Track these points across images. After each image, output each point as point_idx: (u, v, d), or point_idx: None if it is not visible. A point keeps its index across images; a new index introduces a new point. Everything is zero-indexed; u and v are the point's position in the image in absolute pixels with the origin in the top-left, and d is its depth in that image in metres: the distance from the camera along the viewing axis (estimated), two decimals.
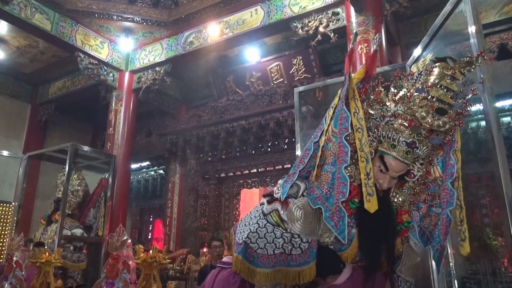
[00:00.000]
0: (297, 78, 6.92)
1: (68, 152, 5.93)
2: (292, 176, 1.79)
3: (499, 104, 5.88)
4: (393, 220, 1.79)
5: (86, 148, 6.66)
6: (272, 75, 7.19)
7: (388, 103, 1.75)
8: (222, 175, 7.67)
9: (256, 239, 1.73)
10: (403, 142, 1.67)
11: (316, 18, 5.24)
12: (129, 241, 3.23)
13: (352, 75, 1.81)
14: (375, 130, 1.76)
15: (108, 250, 3.84)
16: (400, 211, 1.82)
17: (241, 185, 7.57)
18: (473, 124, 6.07)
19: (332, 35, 5.13)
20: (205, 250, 6.80)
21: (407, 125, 1.65)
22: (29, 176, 7.21)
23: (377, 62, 1.91)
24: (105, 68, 6.89)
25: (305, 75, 6.85)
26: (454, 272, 2.96)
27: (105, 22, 6.51)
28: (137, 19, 6.39)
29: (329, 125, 1.75)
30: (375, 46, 1.98)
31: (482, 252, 4.61)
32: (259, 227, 1.76)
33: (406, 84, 1.74)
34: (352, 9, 4.89)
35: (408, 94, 1.68)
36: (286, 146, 6.72)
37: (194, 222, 7.61)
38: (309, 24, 5.28)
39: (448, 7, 2.40)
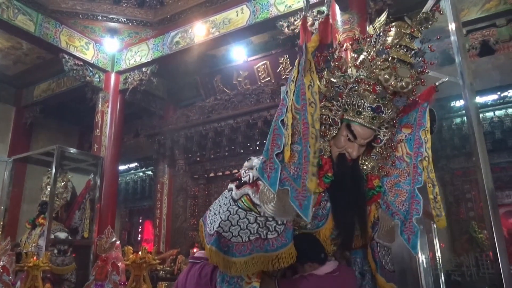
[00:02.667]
0: (284, 76, 6.94)
1: (54, 154, 5.87)
2: (270, 163, 1.62)
3: (482, 99, 6.00)
4: (363, 189, 1.78)
5: (72, 150, 6.59)
6: (259, 74, 7.21)
7: (349, 69, 1.71)
8: (211, 174, 7.66)
9: (229, 227, 1.65)
10: (369, 108, 1.64)
11: (301, 16, 5.27)
12: (118, 242, 3.22)
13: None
14: (339, 98, 1.71)
15: (97, 252, 3.82)
16: (371, 177, 1.80)
17: None
18: (458, 120, 6.18)
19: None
20: (195, 250, 6.80)
21: (371, 90, 1.62)
22: (15, 180, 7.11)
23: (330, 27, 1.85)
24: (91, 69, 6.83)
25: None
26: (441, 266, 3.02)
27: (90, 23, 6.45)
28: (122, 20, 6.35)
29: (292, 100, 1.65)
30: (326, 9, 1.99)
31: (468, 245, 4.70)
32: (230, 214, 1.67)
33: (366, 47, 1.70)
34: (337, 7, 4.93)
35: (369, 57, 1.64)
36: None
37: (184, 223, 7.59)
38: (295, 22, 5.31)
39: (430, 3, 2.45)
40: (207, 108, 7.17)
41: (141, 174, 9.93)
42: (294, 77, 1.67)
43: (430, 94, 1.74)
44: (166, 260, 6.69)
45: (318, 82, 1.63)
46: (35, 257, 3.99)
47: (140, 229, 10.25)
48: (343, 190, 1.66)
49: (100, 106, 6.97)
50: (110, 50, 7.00)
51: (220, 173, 7.57)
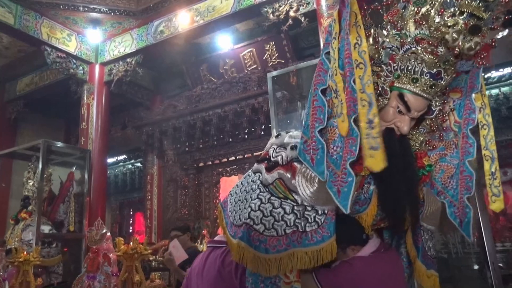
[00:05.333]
0: (270, 63, 6.93)
1: (40, 149, 5.79)
2: (313, 142, 1.37)
3: (486, 76, 6.03)
4: (415, 167, 1.49)
5: (59, 144, 6.51)
6: (246, 61, 7.17)
7: (407, 27, 1.38)
8: (201, 164, 7.66)
9: (261, 219, 1.39)
10: (427, 74, 1.34)
11: (286, 2, 5.24)
12: (108, 234, 3.20)
13: None
14: (390, 62, 1.40)
15: (88, 245, 3.81)
16: (420, 154, 1.52)
17: (220, 174, 7.58)
18: None
19: (302, 19, 5.14)
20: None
21: (433, 51, 1.32)
22: (1, 176, 7.03)
23: None
24: (74, 61, 6.71)
25: (279, 60, 6.86)
26: None
27: (71, 14, 6.32)
28: (104, 10, 6.22)
29: (337, 61, 1.36)
30: None
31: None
32: (261, 203, 1.42)
33: None
34: None
35: (433, 11, 1.31)
36: (263, 132, 6.75)
37: (175, 213, 7.60)
38: (280, 8, 5.27)
39: None
40: (194, 97, 7.14)
41: (130, 166, 9.89)
42: (336, 33, 1.39)
43: (485, 52, 1.38)
44: (158, 251, 6.71)
45: (365, 40, 1.33)
46: (25, 252, 3.96)
47: (131, 221, 10.25)
48: (393, 170, 1.35)
49: (85, 98, 6.87)
50: (93, 41, 6.88)
51: (210, 163, 7.58)
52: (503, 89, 6.13)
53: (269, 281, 1.44)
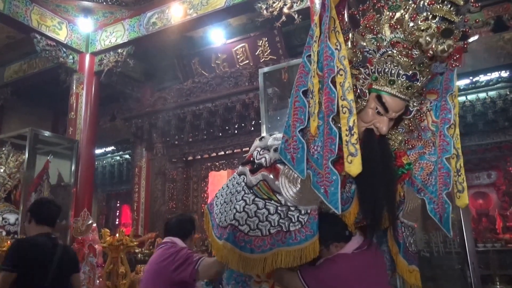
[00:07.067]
0: (262, 59, 6.93)
1: (27, 137, 5.71)
2: (294, 142, 1.42)
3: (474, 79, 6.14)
4: (394, 168, 1.55)
5: (46, 133, 6.44)
6: (238, 56, 7.17)
7: (382, 31, 1.45)
8: (190, 158, 7.65)
9: (246, 220, 1.43)
10: (404, 76, 1.41)
11: None
12: (94, 225, 3.20)
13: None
14: (368, 65, 1.48)
15: (73, 235, 3.79)
16: (399, 153, 1.59)
17: (209, 168, 7.58)
18: None
19: (296, 16, 5.15)
20: None
21: (407, 54, 1.38)
22: None
23: None
24: (64, 50, 6.62)
25: (271, 56, 6.87)
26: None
27: (62, 2, 6.23)
28: None
29: (316, 63, 1.42)
30: None
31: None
32: (246, 204, 1.46)
33: (403, 3, 1.40)
34: None
35: (407, 15, 1.37)
36: (253, 128, 6.76)
37: (162, 206, 7.59)
38: (274, 5, 5.27)
39: None
40: (185, 91, 7.11)
41: (118, 158, 9.82)
42: (316, 36, 1.43)
43: (458, 54, 1.45)
44: (144, 243, 6.70)
45: (344, 45, 1.39)
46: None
47: (118, 213, 10.20)
48: (372, 171, 1.42)
49: (74, 88, 6.79)
50: (84, 30, 6.78)
51: (199, 157, 7.57)
52: (490, 93, 6.23)
53: (241, 278, 1.52)
